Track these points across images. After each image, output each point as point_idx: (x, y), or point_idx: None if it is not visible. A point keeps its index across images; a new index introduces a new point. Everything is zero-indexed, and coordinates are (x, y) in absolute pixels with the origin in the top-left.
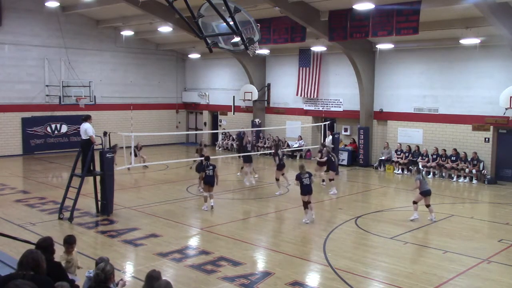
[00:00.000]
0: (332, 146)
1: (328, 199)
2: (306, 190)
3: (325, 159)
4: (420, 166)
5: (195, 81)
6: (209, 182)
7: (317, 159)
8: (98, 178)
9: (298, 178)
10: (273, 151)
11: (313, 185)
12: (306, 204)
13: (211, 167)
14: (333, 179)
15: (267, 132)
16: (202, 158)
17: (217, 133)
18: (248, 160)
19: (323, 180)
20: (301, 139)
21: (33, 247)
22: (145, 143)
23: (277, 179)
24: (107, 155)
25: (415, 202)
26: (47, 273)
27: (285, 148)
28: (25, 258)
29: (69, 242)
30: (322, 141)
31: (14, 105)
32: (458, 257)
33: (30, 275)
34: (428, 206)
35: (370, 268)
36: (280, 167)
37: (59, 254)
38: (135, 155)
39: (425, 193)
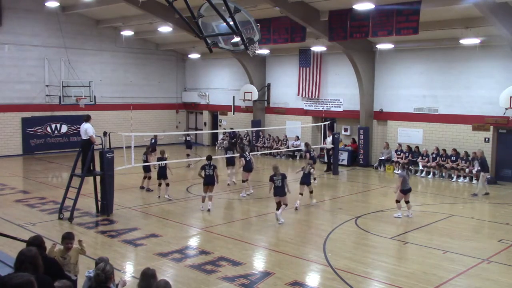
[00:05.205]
0: (332, 146)
1: (328, 198)
2: (277, 191)
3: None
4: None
5: (195, 81)
6: (208, 182)
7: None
8: (98, 178)
9: (271, 179)
10: (239, 152)
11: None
12: (278, 206)
13: (211, 167)
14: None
15: (266, 132)
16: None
17: (217, 133)
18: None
19: (315, 179)
20: (298, 139)
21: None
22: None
23: (243, 181)
24: (107, 155)
25: (398, 201)
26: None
27: (284, 148)
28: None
29: (68, 237)
30: (323, 142)
31: (14, 105)
32: (458, 257)
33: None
34: (407, 202)
35: (370, 268)
36: (248, 168)
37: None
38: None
39: (407, 191)
